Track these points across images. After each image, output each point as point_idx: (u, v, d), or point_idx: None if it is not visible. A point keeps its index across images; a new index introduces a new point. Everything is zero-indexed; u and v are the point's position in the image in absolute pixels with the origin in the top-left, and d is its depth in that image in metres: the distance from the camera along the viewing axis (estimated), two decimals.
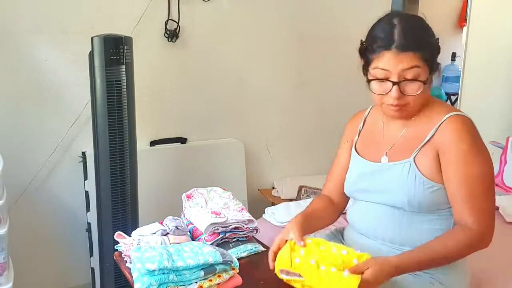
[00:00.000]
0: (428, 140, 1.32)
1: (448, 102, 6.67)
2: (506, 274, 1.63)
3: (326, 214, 1.51)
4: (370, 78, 1.32)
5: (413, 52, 1.25)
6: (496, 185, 2.30)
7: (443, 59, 6.43)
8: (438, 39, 1.31)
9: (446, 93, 6.45)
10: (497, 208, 2.09)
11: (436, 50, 1.31)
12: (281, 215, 2.07)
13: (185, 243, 1.32)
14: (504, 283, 1.59)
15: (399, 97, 1.28)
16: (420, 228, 1.34)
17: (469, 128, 1.29)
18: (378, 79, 1.30)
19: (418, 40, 1.26)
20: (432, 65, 1.29)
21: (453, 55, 6.31)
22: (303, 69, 2.99)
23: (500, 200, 2.10)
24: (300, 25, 2.93)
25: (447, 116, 1.30)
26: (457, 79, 5.90)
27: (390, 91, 1.28)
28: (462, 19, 5.99)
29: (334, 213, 1.54)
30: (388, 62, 1.27)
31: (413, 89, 1.28)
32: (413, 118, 1.37)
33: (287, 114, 3.01)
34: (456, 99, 5.79)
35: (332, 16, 3.01)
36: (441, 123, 1.30)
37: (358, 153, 1.48)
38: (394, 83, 1.27)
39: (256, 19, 2.80)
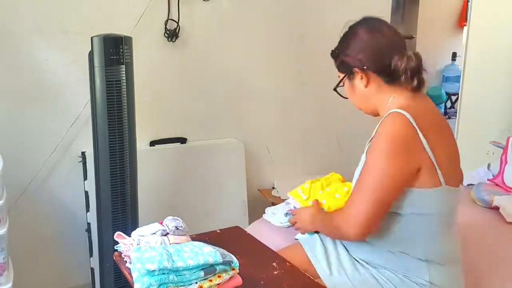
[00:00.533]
0: (371, 140, 1.35)
1: (449, 102, 6.69)
2: (507, 274, 1.63)
3: None
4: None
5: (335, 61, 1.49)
6: (496, 185, 2.30)
7: (443, 59, 6.45)
8: (336, 52, 1.46)
9: (446, 93, 6.46)
10: (497, 208, 2.09)
11: (340, 60, 1.45)
12: (282, 215, 2.06)
13: (185, 243, 1.32)
14: (504, 283, 1.59)
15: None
16: (391, 230, 1.36)
17: (393, 125, 1.28)
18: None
19: (332, 55, 1.50)
20: (344, 72, 1.44)
21: (453, 55, 6.31)
22: (303, 69, 2.99)
23: (500, 200, 2.10)
24: (300, 25, 2.93)
25: (387, 113, 1.33)
26: (457, 79, 5.91)
27: None
28: (462, 19, 6.00)
29: None
30: None
31: (342, 92, 1.49)
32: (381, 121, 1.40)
33: (287, 114, 3.01)
34: (456, 99, 5.80)
35: (332, 16, 3.00)
36: (380, 123, 1.33)
37: None
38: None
39: (256, 19, 2.80)
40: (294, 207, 1.99)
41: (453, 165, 1.36)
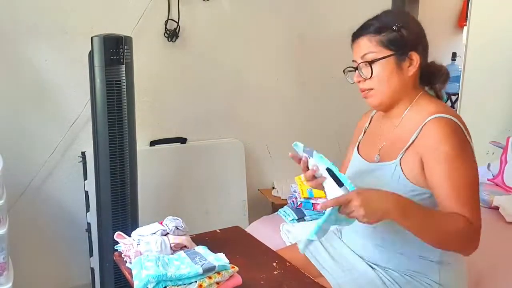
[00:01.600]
0: (412, 143, 1.30)
1: (449, 102, 6.69)
2: (507, 274, 1.63)
3: None
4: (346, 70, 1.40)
5: (366, 37, 1.33)
6: (496, 185, 2.30)
7: (443, 59, 6.45)
8: (399, 26, 1.31)
9: (446, 93, 6.45)
10: (497, 208, 2.09)
11: (398, 35, 1.30)
12: (296, 235, 2.01)
13: (173, 257, 1.31)
14: (505, 283, 1.59)
15: (359, 81, 1.35)
16: (408, 233, 1.32)
17: (451, 130, 1.25)
18: (350, 69, 1.38)
19: (375, 25, 1.33)
20: (395, 50, 1.30)
21: (453, 55, 6.31)
22: (303, 69, 2.99)
23: (500, 200, 2.10)
24: (300, 25, 2.93)
25: (428, 118, 1.28)
26: (457, 79, 5.90)
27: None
28: (462, 19, 6.00)
29: None
30: (354, 52, 1.37)
31: (368, 72, 1.32)
32: (402, 117, 1.37)
33: (287, 114, 3.01)
34: (456, 99, 5.80)
35: (332, 16, 3.01)
36: (423, 126, 1.28)
37: (358, 152, 1.49)
38: (355, 69, 1.36)
39: (256, 19, 2.80)
40: (294, 191, 2.02)
41: None
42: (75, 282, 2.51)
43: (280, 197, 2.82)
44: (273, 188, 2.93)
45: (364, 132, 1.53)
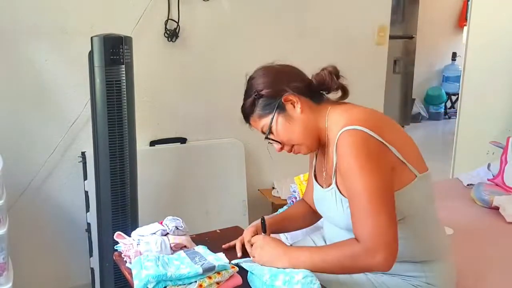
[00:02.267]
0: (336, 164, 1.29)
1: (449, 102, 6.69)
2: (507, 274, 1.63)
3: (302, 218, 1.61)
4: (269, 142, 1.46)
5: (251, 120, 1.44)
6: (497, 185, 2.30)
7: (443, 59, 6.45)
8: (255, 92, 1.39)
9: (446, 93, 6.47)
10: (497, 208, 2.09)
11: (262, 101, 1.38)
12: (295, 236, 1.98)
13: (173, 257, 1.30)
14: (505, 283, 1.59)
15: (280, 148, 1.44)
16: None
17: (355, 142, 1.20)
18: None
19: (245, 110, 1.43)
20: (271, 110, 1.36)
21: (453, 55, 6.32)
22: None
23: (500, 200, 2.10)
24: (300, 25, 2.93)
25: (338, 135, 1.25)
26: (457, 79, 5.92)
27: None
28: (462, 19, 6.00)
29: (313, 217, 1.61)
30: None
31: (275, 141, 1.41)
32: (327, 140, 1.36)
33: None
34: (456, 99, 5.80)
35: (333, 16, 3.01)
36: (336, 144, 1.26)
37: (315, 176, 1.51)
38: (270, 143, 1.44)
39: (256, 19, 2.80)
40: (294, 191, 2.05)
41: (416, 151, 1.32)
42: (75, 282, 2.51)
43: (280, 197, 2.82)
44: (273, 188, 2.93)
45: (316, 156, 1.53)
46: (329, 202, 1.36)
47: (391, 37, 3.31)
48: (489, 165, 2.52)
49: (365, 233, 1.16)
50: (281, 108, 1.35)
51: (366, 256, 1.15)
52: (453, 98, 6.51)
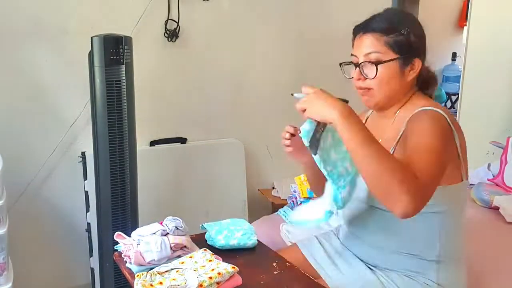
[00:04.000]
0: (401, 136, 1.31)
1: (449, 102, 6.69)
2: (507, 274, 1.63)
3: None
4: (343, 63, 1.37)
5: (374, 35, 1.29)
6: (497, 185, 2.30)
7: (443, 59, 6.45)
8: (408, 30, 1.30)
9: (446, 93, 6.45)
10: (497, 208, 2.09)
11: (406, 40, 1.29)
12: (296, 235, 2.00)
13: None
14: (505, 283, 1.59)
15: (359, 78, 1.33)
16: (404, 229, 1.32)
17: (433, 118, 1.23)
18: (348, 63, 1.36)
19: (384, 24, 1.29)
20: (401, 54, 1.29)
21: (454, 55, 6.31)
22: (303, 68, 2.99)
23: (500, 200, 2.10)
24: (300, 25, 2.93)
25: (415, 111, 1.28)
26: (457, 79, 5.91)
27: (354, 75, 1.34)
28: (462, 19, 5.99)
29: None
30: (356, 46, 1.34)
31: (371, 71, 1.30)
32: (396, 115, 1.37)
33: (287, 114, 3.00)
34: (456, 99, 5.80)
35: (332, 16, 3.01)
36: (409, 118, 1.29)
37: None
38: (356, 66, 1.33)
39: (256, 19, 2.80)
40: (294, 191, 2.05)
41: (466, 160, 1.34)
42: (75, 282, 2.51)
43: (280, 197, 2.82)
44: (273, 188, 2.93)
45: None
46: None
47: None
48: (489, 165, 2.52)
49: (426, 177, 1.09)
50: (405, 61, 1.31)
51: (412, 184, 1.05)
52: (453, 98, 6.51)
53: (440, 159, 1.16)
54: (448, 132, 1.24)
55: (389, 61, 1.29)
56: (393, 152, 1.31)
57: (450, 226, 1.33)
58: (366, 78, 1.32)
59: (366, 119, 1.53)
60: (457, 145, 1.27)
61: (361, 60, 1.31)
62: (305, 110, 1.20)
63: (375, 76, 1.30)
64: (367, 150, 1.08)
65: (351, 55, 1.35)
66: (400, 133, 1.31)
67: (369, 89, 1.33)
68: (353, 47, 1.36)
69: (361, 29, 1.33)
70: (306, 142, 1.18)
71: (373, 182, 1.09)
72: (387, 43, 1.29)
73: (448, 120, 1.25)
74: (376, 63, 1.29)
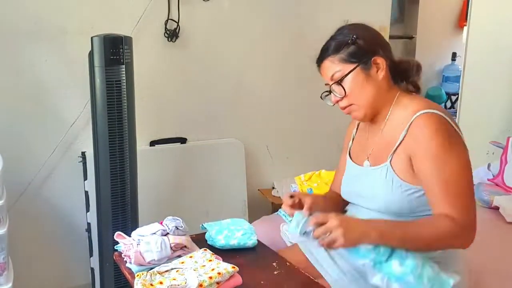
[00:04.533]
0: (400, 143, 1.30)
1: (449, 102, 6.69)
2: (507, 274, 1.63)
3: (338, 202, 1.56)
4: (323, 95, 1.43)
5: (328, 59, 1.37)
6: (496, 185, 2.30)
7: (443, 59, 6.45)
8: (354, 37, 1.33)
9: (446, 93, 6.46)
10: (497, 208, 2.09)
11: (356, 47, 1.32)
12: (296, 235, 1.99)
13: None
14: (505, 283, 1.59)
15: (337, 101, 1.38)
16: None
17: (437, 125, 1.24)
18: (326, 93, 1.42)
19: (331, 45, 1.36)
20: (358, 60, 1.32)
21: (453, 55, 6.31)
22: (303, 68, 2.98)
23: (500, 200, 2.10)
24: (300, 25, 2.93)
25: (414, 116, 1.28)
26: (457, 79, 5.91)
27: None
28: (462, 19, 5.99)
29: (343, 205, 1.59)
30: (322, 75, 1.41)
31: (341, 90, 1.34)
32: (386, 119, 1.37)
33: (287, 114, 3.01)
34: (456, 99, 5.80)
35: (333, 16, 3.00)
36: (410, 125, 1.28)
37: (350, 157, 1.51)
38: (330, 92, 1.38)
39: (256, 19, 2.80)
40: (294, 190, 2.06)
41: None
42: (75, 282, 2.51)
43: (280, 197, 2.82)
44: (273, 188, 2.93)
45: (353, 139, 1.54)
46: (372, 181, 1.35)
47: (391, 37, 3.30)
48: (489, 165, 2.52)
49: (461, 213, 1.20)
50: (367, 65, 1.33)
51: (462, 233, 1.21)
52: (453, 98, 6.51)
53: (468, 176, 1.24)
54: (456, 136, 1.26)
55: (349, 73, 1.32)
56: (391, 159, 1.31)
57: None
58: (342, 98, 1.36)
59: (358, 126, 1.54)
60: (463, 141, 1.28)
61: (330, 84, 1.37)
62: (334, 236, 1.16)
63: (345, 92, 1.34)
64: (412, 244, 1.19)
65: (325, 84, 1.40)
66: (400, 140, 1.30)
67: (350, 105, 1.37)
68: None
69: (318, 60, 1.40)
70: (298, 233, 1.21)
71: (430, 250, 1.26)
72: (341, 59, 1.34)
73: (449, 121, 1.26)
74: (340, 81, 1.33)
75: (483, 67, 3.03)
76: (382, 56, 1.33)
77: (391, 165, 1.31)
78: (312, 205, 1.32)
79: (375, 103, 1.36)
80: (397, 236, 1.17)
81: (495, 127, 2.93)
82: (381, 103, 1.36)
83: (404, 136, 1.30)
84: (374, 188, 1.34)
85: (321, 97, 1.42)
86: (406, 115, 1.31)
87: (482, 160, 2.71)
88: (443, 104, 6.54)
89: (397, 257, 1.16)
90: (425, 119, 1.26)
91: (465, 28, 3.23)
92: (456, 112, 3.30)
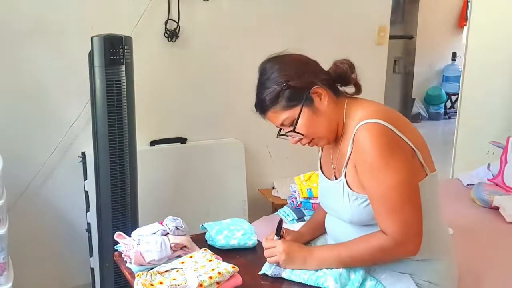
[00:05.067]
0: (350, 155, 1.30)
1: (449, 102, 6.69)
2: (507, 274, 1.63)
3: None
4: (280, 135, 1.38)
5: (270, 111, 1.33)
6: (496, 185, 2.30)
7: (443, 59, 6.45)
8: (284, 82, 1.30)
9: (446, 93, 6.46)
10: (497, 208, 2.09)
11: (290, 91, 1.30)
12: None
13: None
14: (504, 283, 1.59)
15: (297, 142, 1.36)
16: None
17: (375, 137, 1.22)
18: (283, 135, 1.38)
19: (266, 100, 1.33)
20: (299, 102, 1.30)
21: (453, 55, 6.31)
22: None
23: (500, 200, 2.10)
24: (300, 25, 2.93)
25: (356, 128, 1.27)
26: (457, 79, 5.92)
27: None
28: (462, 19, 6.00)
29: None
30: (271, 122, 1.37)
31: (294, 136, 1.34)
32: (342, 133, 1.36)
33: None
34: (456, 99, 5.80)
35: (333, 16, 3.01)
36: (353, 137, 1.27)
37: (321, 169, 1.51)
38: (285, 135, 1.36)
39: (256, 19, 2.80)
40: (294, 191, 2.06)
41: (427, 151, 1.33)
42: (75, 282, 2.51)
43: (280, 197, 2.82)
44: (273, 188, 2.93)
45: (322, 149, 1.53)
46: (336, 195, 1.36)
47: (391, 37, 3.31)
48: (489, 165, 2.52)
49: (394, 227, 1.23)
50: (309, 101, 1.31)
51: (396, 248, 1.25)
52: (453, 98, 6.51)
53: (407, 189, 1.23)
54: (396, 140, 1.23)
55: (298, 117, 1.31)
56: (345, 173, 1.32)
57: (430, 224, 1.31)
58: (301, 139, 1.35)
59: (322, 148, 1.53)
60: (410, 144, 1.25)
61: (282, 130, 1.36)
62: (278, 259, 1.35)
63: (303, 133, 1.33)
64: (350, 263, 1.30)
65: (277, 127, 1.38)
66: (348, 154, 1.30)
67: (311, 140, 1.36)
68: None
69: (260, 112, 1.37)
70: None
71: (375, 265, 1.35)
72: (283, 107, 1.31)
73: (389, 126, 1.23)
74: (294, 127, 1.32)
75: (483, 67, 3.03)
76: (320, 84, 1.32)
77: (345, 179, 1.32)
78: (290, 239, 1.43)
79: (331, 126, 1.35)
80: (333, 259, 1.30)
81: (495, 127, 2.94)
82: (335, 122, 1.35)
83: (351, 150, 1.29)
84: (337, 202, 1.36)
85: (277, 137, 1.39)
86: (351, 126, 1.30)
87: (482, 160, 2.71)
88: (443, 104, 6.54)
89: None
90: (365, 130, 1.24)
91: (465, 28, 3.23)
92: (456, 112, 3.30)
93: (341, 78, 1.37)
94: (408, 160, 1.25)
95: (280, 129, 1.38)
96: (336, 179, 1.38)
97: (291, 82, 1.30)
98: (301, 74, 1.32)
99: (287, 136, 1.36)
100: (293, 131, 1.32)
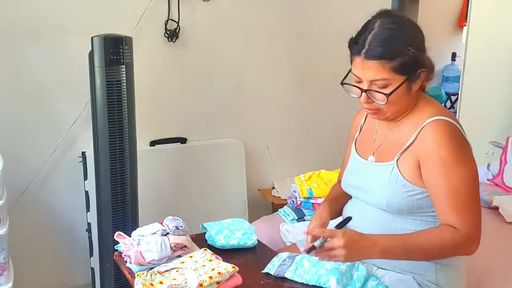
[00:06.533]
0: (409, 146, 1.30)
1: (448, 102, 6.69)
2: (506, 274, 1.63)
3: (345, 197, 1.54)
4: (345, 81, 1.32)
5: (380, 62, 1.22)
6: (496, 185, 2.30)
7: (443, 59, 6.44)
8: (414, 49, 1.24)
9: (446, 93, 6.46)
10: (497, 208, 2.09)
11: (411, 59, 1.24)
12: (295, 235, 2.00)
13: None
14: (504, 283, 1.59)
15: (369, 103, 1.30)
16: (403, 231, 1.32)
17: (448, 133, 1.24)
18: (350, 84, 1.31)
19: (387, 49, 1.22)
20: (408, 74, 1.25)
21: (453, 55, 6.30)
22: (303, 68, 2.99)
23: (500, 200, 2.10)
24: (300, 25, 2.93)
25: (427, 122, 1.28)
26: (457, 79, 5.91)
27: (360, 96, 1.29)
28: (462, 19, 5.99)
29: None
30: (358, 68, 1.27)
31: (380, 98, 1.27)
32: (400, 120, 1.36)
33: (287, 114, 3.01)
34: (456, 99, 5.79)
35: (332, 15, 3.01)
36: (421, 129, 1.28)
37: (356, 149, 1.50)
38: (362, 90, 1.28)
39: (256, 19, 2.80)
40: (294, 191, 2.05)
41: None
42: (75, 282, 2.51)
43: (280, 197, 2.82)
44: (273, 188, 2.93)
45: (360, 129, 1.52)
46: (375, 176, 1.35)
47: None
48: (488, 165, 2.52)
49: (468, 223, 1.23)
50: (416, 78, 1.27)
51: (467, 243, 1.24)
52: (453, 98, 6.51)
53: (475, 187, 1.25)
54: (466, 145, 1.28)
55: (399, 87, 1.24)
56: (398, 159, 1.32)
57: None
58: (374, 102, 1.29)
59: (366, 116, 1.52)
60: (471, 151, 1.30)
61: (366, 85, 1.26)
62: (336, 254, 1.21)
63: (387, 101, 1.26)
64: (415, 255, 1.27)
65: (352, 73, 1.29)
66: (409, 142, 1.30)
67: (378, 109, 1.31)
68: (352, 63, 1.30)
69: (361, 52, 1.24)
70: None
71: (433, 259, 1.32)
72: (393, 68, 1.22)
73: (460, 129, 1.28)
74: (386, 92, 1.24)
75: (483, 67, 3.03)
76: (426, 68, 1.29)
77: (397, 165, 1.32)
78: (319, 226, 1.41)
79: (404, 110, 1.33)
80: (400, 250, 1.23)
81: (495, 127, 2.93)
82: (408, 108, 1.34)
83: (414, 140, 1.29)
84: (377, 184, 1.35)
85: (341, 83, 1.32)
86: (419, 119, 1.31)
87: (482, 160, 2.71)
88: (443, 104, 6.55)
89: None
90: (438, 126, 1.26)
91: (465, 28, 3.23)
92: (456, 112, 3.30)
93: (430, 71, 1.34)
94: (474, 161, 1.28)
95: (345, 77, 1.31)
96: (383, 161, 1.36)
97: (418, 54, 1.25)
98: (424, 50, 1.30)
99: (366, 92, 1.26)
100: (387, 95, 1.24)
